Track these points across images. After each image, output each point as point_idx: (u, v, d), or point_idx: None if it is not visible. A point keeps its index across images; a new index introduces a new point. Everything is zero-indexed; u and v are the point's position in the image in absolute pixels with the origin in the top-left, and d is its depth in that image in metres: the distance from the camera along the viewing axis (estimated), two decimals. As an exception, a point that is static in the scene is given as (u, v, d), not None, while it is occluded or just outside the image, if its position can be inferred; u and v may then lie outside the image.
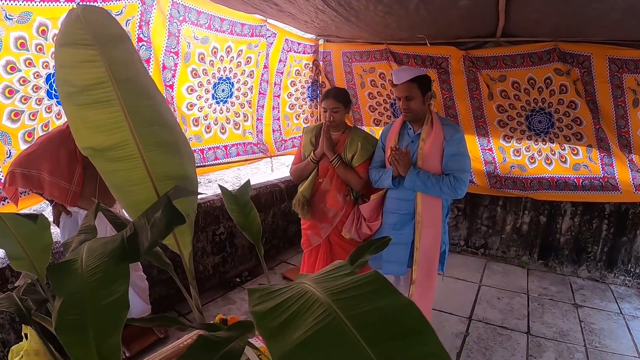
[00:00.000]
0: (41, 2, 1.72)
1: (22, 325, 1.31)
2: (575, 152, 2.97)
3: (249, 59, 2.86)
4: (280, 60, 3.19)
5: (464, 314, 2.73)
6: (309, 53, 3.48)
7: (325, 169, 2.13)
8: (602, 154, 2.86)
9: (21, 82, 1.76)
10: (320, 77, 3.69)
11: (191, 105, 2.55)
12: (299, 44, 3.31)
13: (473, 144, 3.25)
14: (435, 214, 1.92)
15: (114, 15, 1.97)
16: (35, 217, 1.01)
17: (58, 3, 1.77)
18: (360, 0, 2.13)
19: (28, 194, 1.95)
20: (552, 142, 3.01)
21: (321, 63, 3.62)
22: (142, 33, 2.17)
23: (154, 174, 1.00)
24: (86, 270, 0.73)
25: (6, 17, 1.63)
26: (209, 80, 2.61)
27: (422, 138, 1.90)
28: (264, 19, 2.81)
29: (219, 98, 2.75)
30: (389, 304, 0.51)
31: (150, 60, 2.26)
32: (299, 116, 3.62)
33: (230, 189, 1.42)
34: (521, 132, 3.08)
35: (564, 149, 3.00)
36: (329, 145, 2.05)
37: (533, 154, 3.12)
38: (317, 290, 0.57)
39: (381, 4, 2.15)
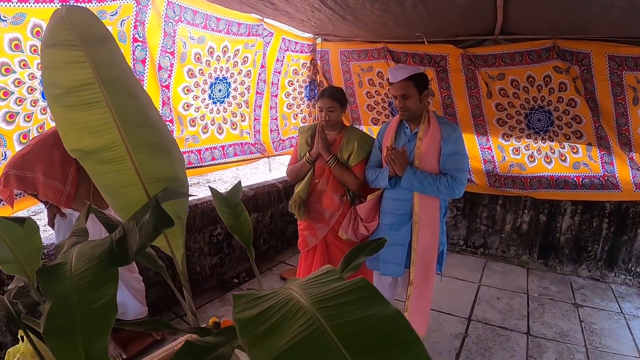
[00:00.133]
0: (35, 3, 1.70)
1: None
2: (575, 151, 2.95)
3: (245, 59, 2.85)
4: (277, 60, 3.18)
5: (463, 315, 2.71)
6: (306, 52, 3.46)
7: (321, 170, 2.12)
8: (602, 152, 2.83)
9: (16, 83, 1.75)
10: (318, 76, 3.67)
11: (188, 106, 2.54)
12: (296, 43, 3.29)
13: (472, 142, 3.23)
14: (433, 214, 1.90)
15: (108, 16, 1.99)
16: (23, 221, 0.99)
17: (52, 4, 1.75)
18: (357, -1, 2.11)
19: (23, 195, 1.94)
20: (552, 141, 2.99)
21: (319, 62, 3.60)
22: (138, 33, 2.15)
23: (143, 175, 0.99)
24: (75, 273, 0.72)
25: (0, 18, 1.62)
26: (205, 80, 2.60)
27: (419, 137, 1.88)
28: (261, 18, 2.79)
29: (216, 98, 2.73)
30: (375, 312, 0.49)
31: (146, 60, 2.24)
32: (296, 116, 3.61)
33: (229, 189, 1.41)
34: (520, 130, 3.05)
35: (563, 148, 2.98)
36: (324, 146, 2.04)
37: (532, 153, 3.10)
38: (302, 297, 0.55)
39: (377, 2, 2.13)
